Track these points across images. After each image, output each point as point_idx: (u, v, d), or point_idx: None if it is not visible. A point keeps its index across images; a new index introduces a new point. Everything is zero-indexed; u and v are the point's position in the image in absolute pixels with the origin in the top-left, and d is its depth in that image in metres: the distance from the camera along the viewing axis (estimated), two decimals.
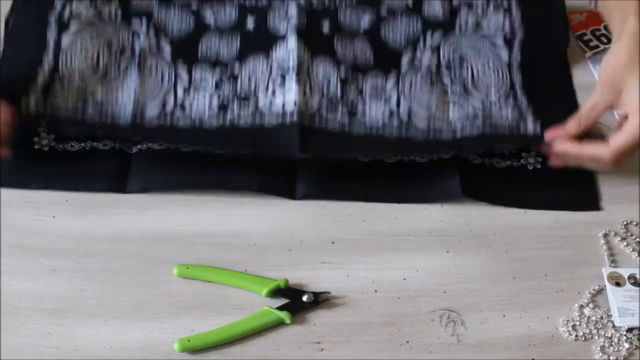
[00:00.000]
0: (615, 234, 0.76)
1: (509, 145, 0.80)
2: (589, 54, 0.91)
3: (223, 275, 0.69)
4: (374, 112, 0.80)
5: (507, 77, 0.85)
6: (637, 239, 0.76)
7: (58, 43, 0.81)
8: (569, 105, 0.83)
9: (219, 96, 0.79)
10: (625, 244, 0.75)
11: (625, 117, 0.74)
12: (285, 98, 0.79)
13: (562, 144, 0.76)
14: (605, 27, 0.94)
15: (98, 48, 0.81)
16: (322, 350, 0.66)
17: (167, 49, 0.82)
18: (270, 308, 0.67)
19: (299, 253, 0.72)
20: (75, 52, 0.81)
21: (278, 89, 0.79)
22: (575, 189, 0.79)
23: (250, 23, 0.85)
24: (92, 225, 0.72)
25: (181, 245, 0.72)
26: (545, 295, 0.71)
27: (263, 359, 0.65)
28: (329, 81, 0.81)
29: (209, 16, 0.85)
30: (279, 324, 0.67)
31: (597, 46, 0.92)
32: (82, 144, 0.76)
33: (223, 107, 0.79)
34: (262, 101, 0.79)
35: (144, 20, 0.84)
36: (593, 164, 0.76)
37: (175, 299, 0.68)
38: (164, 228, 0.73)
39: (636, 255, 0.74)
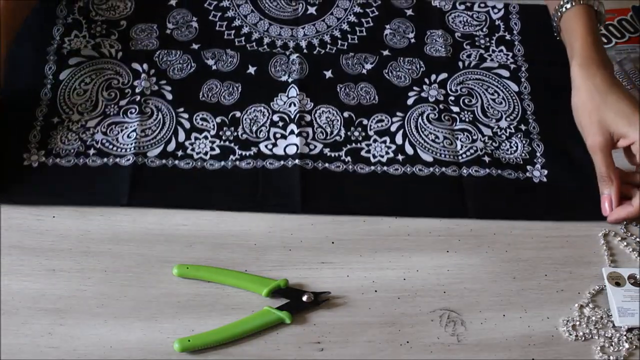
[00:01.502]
0: (615, 234, 0.76)
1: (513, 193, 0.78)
2: None
3: (223, 275, 0.69)
4: (379, 149, 0.79)
5: (518, 104, 0.84)
6: (637, 239, 0.76)
7: (56, 77, 0.81)
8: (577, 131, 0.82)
9: (220, 140, 0.79)
10: (625, 244, 0.75)
11: (629, 146, 0.75)
12: (286, 145, 0.79)
13: (618, 213, 0.75)
14: (606, 28, 0.94)
15: (97, 84, 0.81)
16: (322, 350, 0.66)
17: (168, 90, 0.82)
18: (270, 308, 0.67)
19: (299, 253, 0.72)
20: (73, 87, 0.81)
21: (280, 139, 0.79)
22: (584, 201, 0.77)
23: (251, 69, 0.85)
24: (92, 225, 0.72)
25: (181, 245, 0.72)
26: (545, 295, 0.71)
27: (263, 359, 0.65)
28: (332, 126, 0.81)
29: (210, 60, 0.85)
30: (279, 324, 0.67)
31: None
32: (74, 159, 0.76)
33: (225, 149, 0.78)
34: (264, 147, 0.79)
35: (145, 60, 0.84)
36: None
37: (175, 299, 0.68)
38: (164, 228, 0.73)
39: (636, 255, 0.74)
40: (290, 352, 0.66)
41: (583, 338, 0.68)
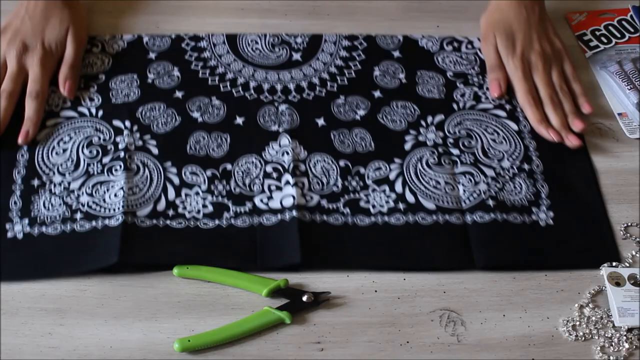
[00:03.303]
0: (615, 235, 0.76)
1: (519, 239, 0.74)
2: (589, 54, 0.92)
3: (223, 275, 0.69)
4: (379, 199, 0.76)
5: (519, 142, 0.81)
6: (638, 239, 0.76)
7: (33, 139, 0.77)
8: (583, 165, 0.80)
9: (212, 195, 0.75)
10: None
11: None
12: (282, 197, 0.75)
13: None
14: (606, 28, 0.94)
15: (77, 142, 0.78)
16: (322, 350, 0.66)
17: (153, 144, 0.78)
18: (270, 308, 0.67)
19: None
20: (52, 146, 0.77)
21: (275, 191, 0.75)
22: (594, 244, 0.74)
23: (239, 120, 0.81)
24: None
25: None
26: (545, 295, 0.71)
27: (263, 359, 0.65)
28: (329, 175, 0.77)
29: (196, 113, 0.81)
30: (279, 324, 0.67)
31: (597, 46, 0.92)
32: (61, 226, 0.71)
33: (218, 207, 0.74)
34: (259, 202, 0.75)
35: (127, 116, 0.80)
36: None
37: (175, 299, 0.68)
38: None
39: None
40: (290, 352, 0.66)
41: (583, 338, 0.68)
